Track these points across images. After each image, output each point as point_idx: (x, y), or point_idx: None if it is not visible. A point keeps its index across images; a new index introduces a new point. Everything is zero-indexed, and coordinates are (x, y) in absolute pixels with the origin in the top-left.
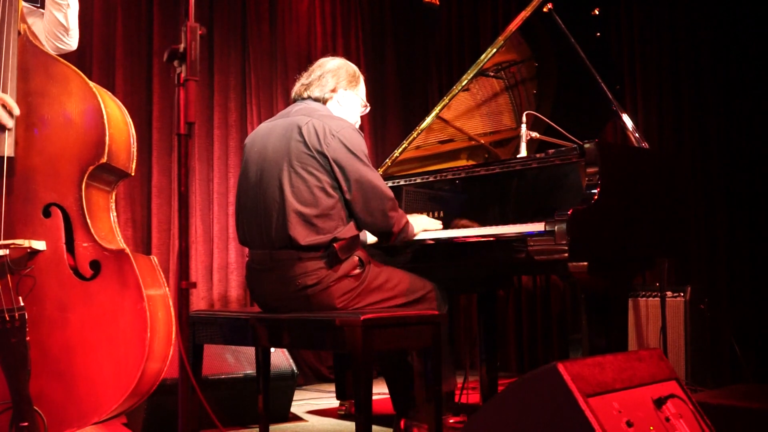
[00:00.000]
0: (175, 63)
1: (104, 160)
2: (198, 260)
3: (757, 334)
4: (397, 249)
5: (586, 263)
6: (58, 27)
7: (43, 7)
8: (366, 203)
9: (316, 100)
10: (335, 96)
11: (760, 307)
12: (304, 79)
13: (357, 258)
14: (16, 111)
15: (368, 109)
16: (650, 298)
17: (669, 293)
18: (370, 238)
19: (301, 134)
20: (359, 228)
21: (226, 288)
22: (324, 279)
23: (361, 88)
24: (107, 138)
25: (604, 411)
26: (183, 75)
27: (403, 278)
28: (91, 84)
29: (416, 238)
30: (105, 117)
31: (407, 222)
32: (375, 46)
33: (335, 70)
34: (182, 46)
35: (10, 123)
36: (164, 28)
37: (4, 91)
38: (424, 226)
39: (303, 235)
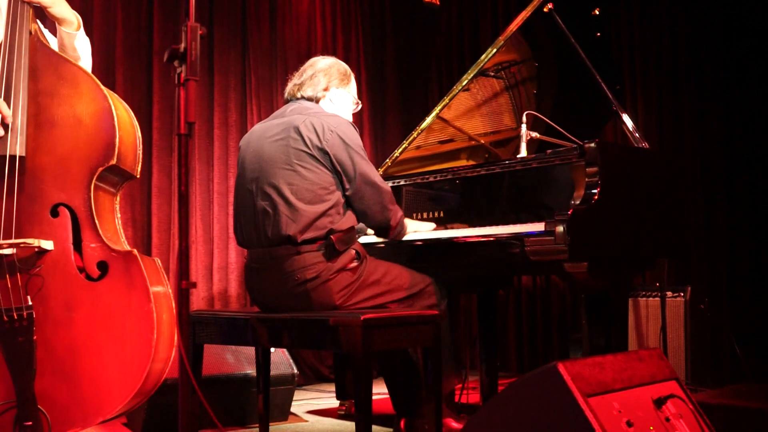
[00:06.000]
0: (175, 63)
1: (114, 161)
2: (198, 260)
3: (757, 334)
4: (399, 248)
5: (586, 263)
6: (72, 51)
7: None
8: (365, 197)
9: (309, 99)
10: (327, 94)
11: (760, 307)
12: (296, 79)
13: (354, 251)
14: (9, 119)
15: (359, 106)
16: (650, 298)
17: (669, 293)
18: (368, 238)
19: (299, 133)
20: (357, 221)
21: (227, 288)
22: (323, 272)
23: (353, 86)
24: (117, 140)
25: (604, 411)
26: (183, 75)
27: (401, 272)
28: (102, 86)
29: (417, 237)
30: (116, 119)
31: (402, 216)
32: (375, 46)
33: (326, 69)
34: (182, 46)
35: (0, 131)
36: (164, 28)
37: (16, 90)
38: (416, 228)
39: (300, 232)
